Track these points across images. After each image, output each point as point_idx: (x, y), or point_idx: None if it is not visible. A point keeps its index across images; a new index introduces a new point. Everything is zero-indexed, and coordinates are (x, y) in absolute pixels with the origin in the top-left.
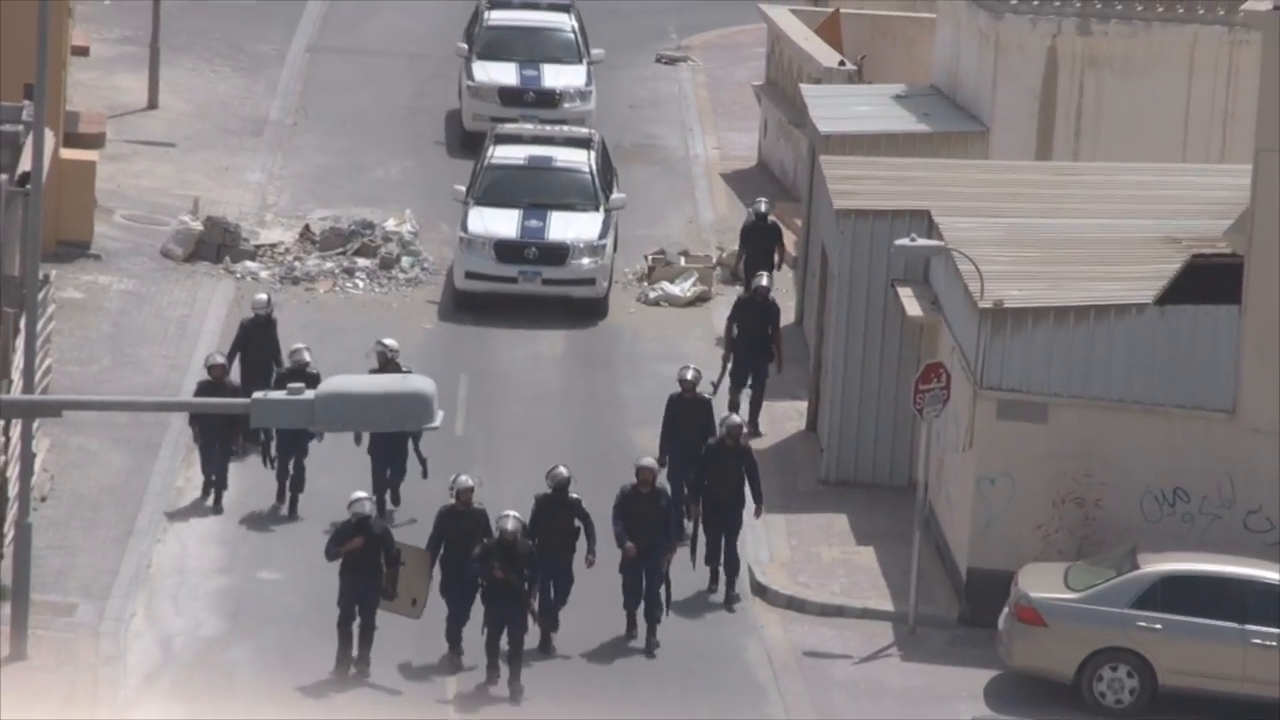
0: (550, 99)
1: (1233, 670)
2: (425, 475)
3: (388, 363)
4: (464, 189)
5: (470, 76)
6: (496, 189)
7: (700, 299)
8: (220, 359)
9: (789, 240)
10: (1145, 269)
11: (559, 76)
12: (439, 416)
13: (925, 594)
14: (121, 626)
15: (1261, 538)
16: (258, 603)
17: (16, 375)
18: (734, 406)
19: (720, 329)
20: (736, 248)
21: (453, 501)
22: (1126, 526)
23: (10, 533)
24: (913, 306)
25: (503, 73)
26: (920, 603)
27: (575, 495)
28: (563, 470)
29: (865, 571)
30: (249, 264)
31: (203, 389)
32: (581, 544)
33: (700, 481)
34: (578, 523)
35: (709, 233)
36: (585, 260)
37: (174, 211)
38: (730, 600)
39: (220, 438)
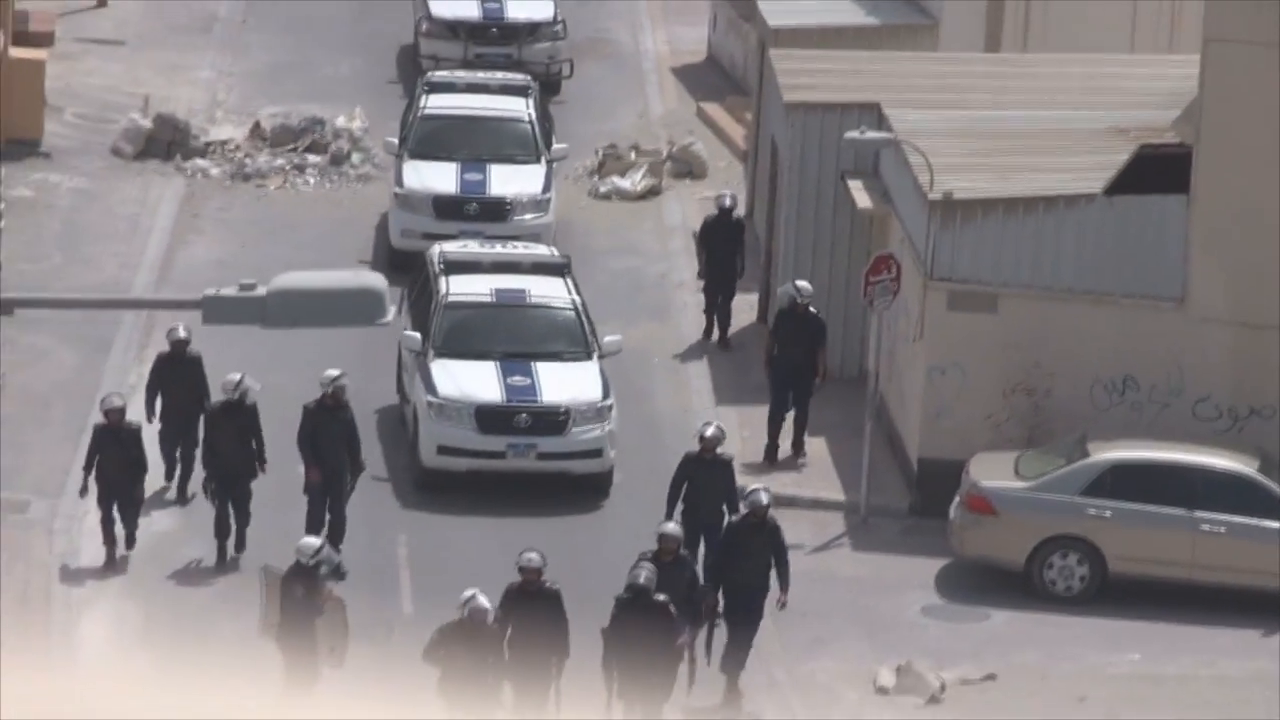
0: (498, 210)
1: (1182, 556)
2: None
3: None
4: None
5: (399, 181)
6: (460, 335)
7: (651, 192)
8: (119, 400)
9: (737, 135)
10: (1094, 159)
11: (509, 181)
12: (391, 313)
13: (876, 484)
14: (75, 524)
15: (1210, 425)
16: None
17: None
18: (771, 450)
19: (670, 222)
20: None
21: (518, 580)
22: (1076, 415)
23: None
24: (863, 199)
25: (439, 176)
26: (871, 493)
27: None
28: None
29: (816, 462)
30: (199, 161)
31: (100, 436)
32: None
33: (720, 566)
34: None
35: (659, 127)
36: (589, 427)
37: (124, 109)
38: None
39: (119, 491)
